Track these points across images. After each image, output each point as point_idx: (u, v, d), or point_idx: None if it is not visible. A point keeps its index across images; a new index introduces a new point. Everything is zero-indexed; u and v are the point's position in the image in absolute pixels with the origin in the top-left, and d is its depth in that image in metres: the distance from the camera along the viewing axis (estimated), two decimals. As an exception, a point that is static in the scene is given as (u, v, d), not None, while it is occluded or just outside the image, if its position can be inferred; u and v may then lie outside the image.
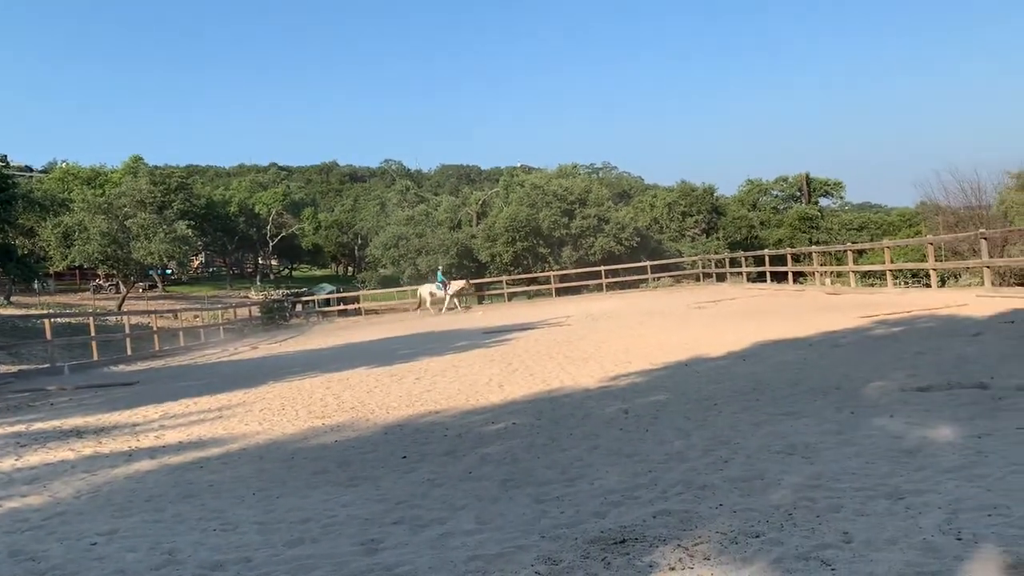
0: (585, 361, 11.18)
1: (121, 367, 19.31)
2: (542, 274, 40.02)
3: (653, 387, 8.37)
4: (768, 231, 50.49)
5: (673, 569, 3.22)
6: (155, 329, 25.61)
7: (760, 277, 30.73)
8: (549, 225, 42.12)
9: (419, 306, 33.24)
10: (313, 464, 6.23)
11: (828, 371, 8.08)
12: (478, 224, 49.45)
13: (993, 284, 17.34)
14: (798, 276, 29.05)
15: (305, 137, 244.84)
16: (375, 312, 38.18)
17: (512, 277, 39.45)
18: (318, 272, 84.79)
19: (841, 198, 57.50)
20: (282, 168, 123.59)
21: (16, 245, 37.02)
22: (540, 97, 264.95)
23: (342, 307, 40.06)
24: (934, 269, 19.71)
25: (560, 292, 36.69)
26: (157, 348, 23.41)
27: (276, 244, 72.86)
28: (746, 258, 33.37)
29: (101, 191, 51.64)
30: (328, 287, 53.72)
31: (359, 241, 69.36)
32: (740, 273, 32.38)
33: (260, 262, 78.01)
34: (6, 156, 39.78)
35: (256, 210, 71.13)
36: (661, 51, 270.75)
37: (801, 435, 5.43)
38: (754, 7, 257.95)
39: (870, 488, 4.05)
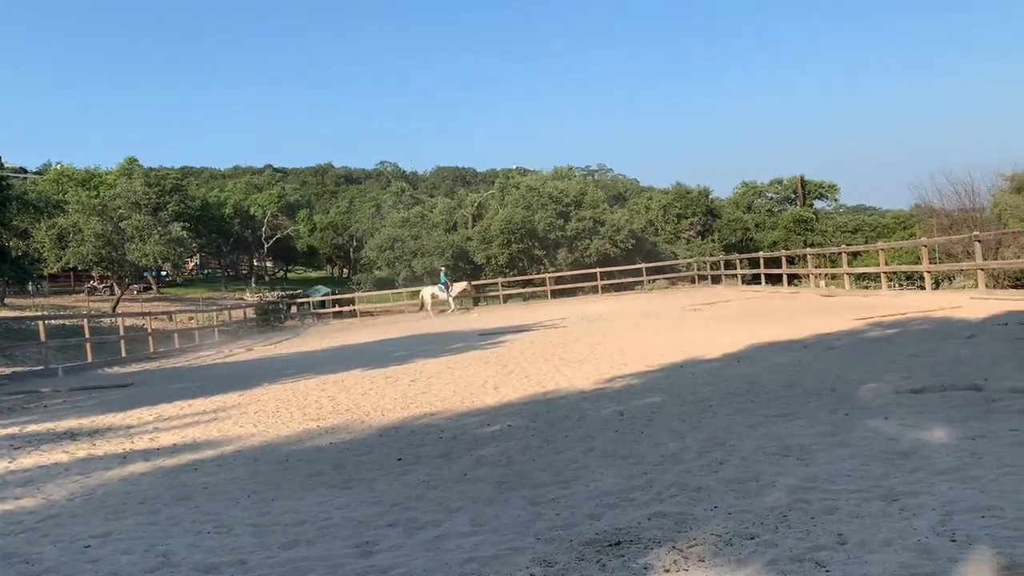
0: (580, 363, 11.19)
1: (115, 369, 19.26)
2: (537, 276, 40.03)
3: (648, 389, 8.37)
4: (763, 233, 50.63)
5: (668, 571, 3.23)
6: (149, 331, 25.55)
7: (755, 279, 30.77)
8: (544, 227, 42.14)
9: (421, 307, 33.23)
10: (308, 466, 6.22)
11: (823, 373, 8.10)
12: (474, 226, 49.46)
13: (987, 286, 17.41)
14: (793, 278, 29.12)
15: (301, 139, 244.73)
16: (370, 314, 38.14)
17: (508, 279, 39.44)
18: (313, 274, 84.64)
19: (836, 200, 57.79)
20: (277, 170, 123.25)
21: (10, 247, 36.96)
22: (536, 99, 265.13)
23: (337, 309, 40.03)
24: (928, 271, 19.78)
25: (555, 294, 36.69)
26: (151, 350, 23.34)
27: (271, 246, 72.73)
28: (741, 260, 33.42)
29: (96, 193, 51.56)
30: (323, 289, 53.65)
31: (354, 243, 69.23)
32: (735, 275, 32.44)
33: (255, 264, 77.84)
34: (0, 157, 39.71)
35: (251, 212, 71.01)
36: (657, 53, 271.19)
37: (796, 437, 5.44)
38: (751, 7, 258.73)
39: (864, 490, 4.06)
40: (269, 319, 34.60)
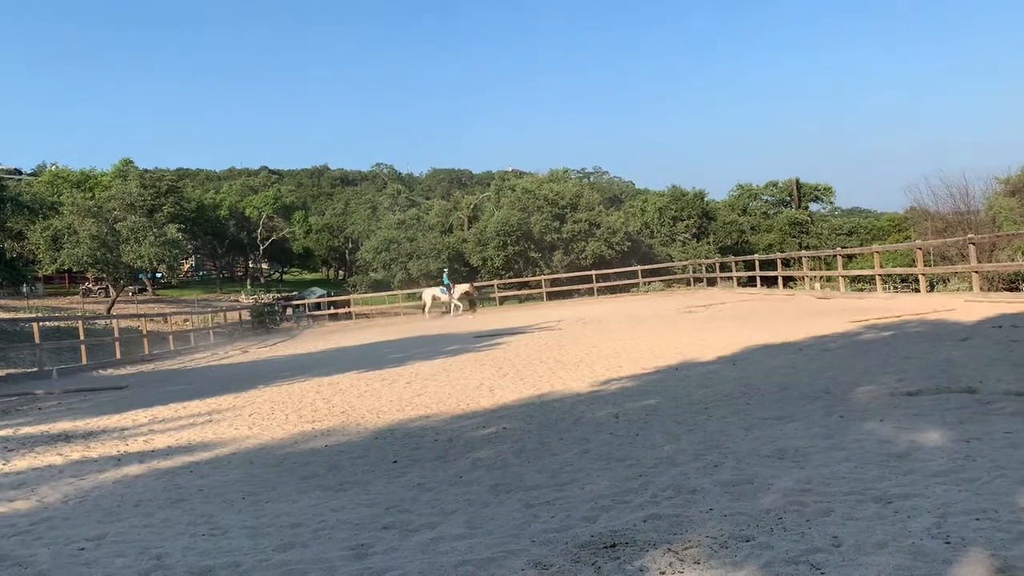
0: (576, 365, 11.19)
1: (110, 371, 19.20)
2: (533, 278, 40.06)
3: (643, 391, 8.37)
4: (758, 236, 50.74)
5: (663, 573, 3.22)
6: (144, 333, 25.46)
7: (750, 282, 30.85)
8: (540, 229, 42.17)
9: (424, 308, 33.20)
10: (303, 468, 6.21)
11: (817, 375, 8.11)
12: (469, 228, 49.46)
13: (981, 289, 17.48)
14: (788, 281, 29.17)
15: (296, 141, 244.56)
16: (366, 316, 38.10)
17: (503, 281, 39.45)
18: (309, 276, 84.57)
19: (831, 203, 57.95)
20: (273, 171, 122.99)
21: (5, 248, 36.84)
22: (532, 101, 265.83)
23: (333, 311, 39.96)
24: (923, 274, 19.83)
25: (551, 296, 36.70)
26: (146, 352, 23.28)
27: (267, 248, 72.65)
28: (736, 263, 33.48)
29: (91, 194, 51.41)
30: (319, 291, 53.56)
31: (350, 245, 69.24)
32: (730, 278, 32.50)
33: (250, 266, 77.75)
34: (-6, 159, 39.60)
35: (247, 213, 70.94)
36: (655, 54, 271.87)
37: (791, 439, 5.45)
38: (752, 9, 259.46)
39: (859, 492, 4.06)
40: (264, 321, 34.52)
